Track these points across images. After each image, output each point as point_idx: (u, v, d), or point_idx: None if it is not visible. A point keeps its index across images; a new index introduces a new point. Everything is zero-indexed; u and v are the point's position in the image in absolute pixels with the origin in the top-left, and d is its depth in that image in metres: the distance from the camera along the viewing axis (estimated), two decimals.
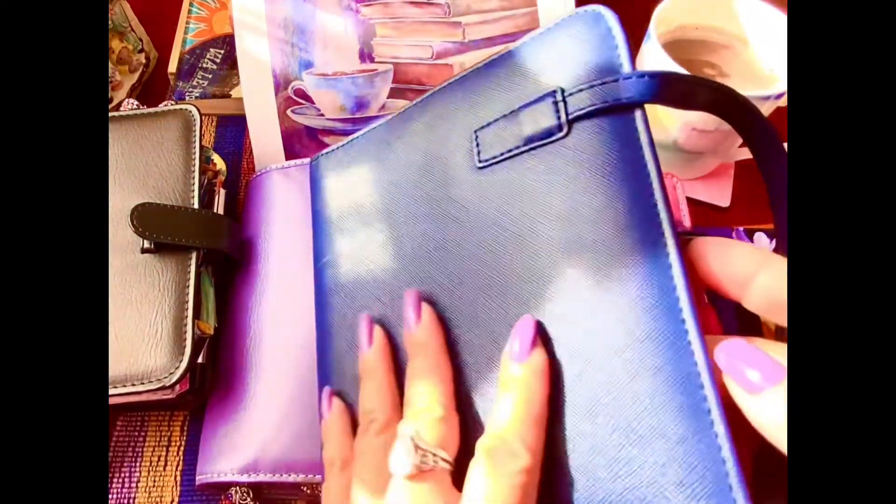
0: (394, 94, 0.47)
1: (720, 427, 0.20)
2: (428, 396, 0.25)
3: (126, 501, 0.37)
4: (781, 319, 0.23)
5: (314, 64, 0.46)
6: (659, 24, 0.42)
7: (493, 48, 0.48)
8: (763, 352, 0.21)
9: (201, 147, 0.40)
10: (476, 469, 0.22)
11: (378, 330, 0.30)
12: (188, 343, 0.34)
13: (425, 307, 0.28)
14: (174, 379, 0.33)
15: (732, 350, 0.21)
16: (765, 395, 0.20)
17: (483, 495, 0.21)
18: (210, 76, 0.51)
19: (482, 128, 0.28)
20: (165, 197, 0.38)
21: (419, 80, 0.47)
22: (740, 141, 0.46)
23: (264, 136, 0.47)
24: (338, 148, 0.38)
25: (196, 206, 0.38)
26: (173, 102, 0.42)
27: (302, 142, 0.47)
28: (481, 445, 0.22)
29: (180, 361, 0.34)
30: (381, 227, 0.33)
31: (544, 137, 0.26)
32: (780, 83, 0.43)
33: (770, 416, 0.20)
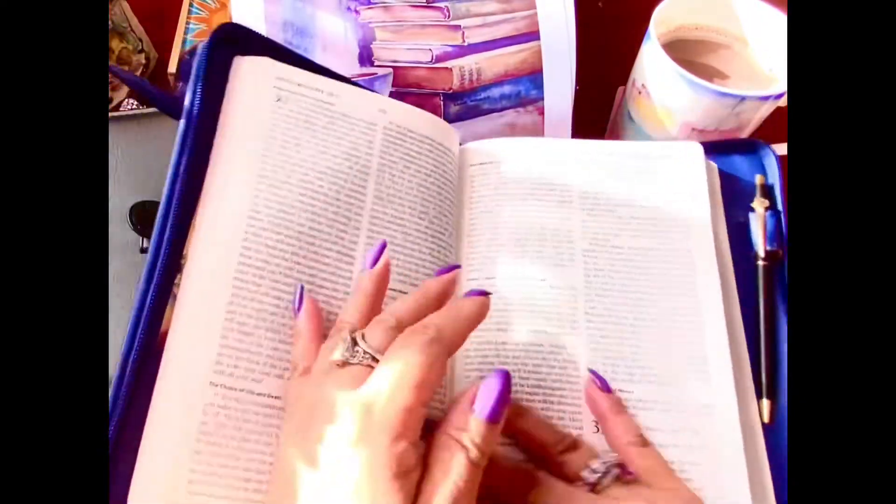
0: (393, 97, 0.47)
1: None
2: (397, 307, 0.29)
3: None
4: None
5: None
6: (658, 24, 0.42)
7: (493, 51, 0.48)
8: None
9: None
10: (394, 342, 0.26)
11: (386, 258, 0.31)
12: None
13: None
14: None
15: None
16: None
17: (393, 351, 0.25)
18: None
19: None
20: None
21: (419, 83, 0.47)
22: None
23: None
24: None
25: None
26: None
27: None
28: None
29: None
30: None
31: None
32: (780, 83, 0.43)
33: None
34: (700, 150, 0.39)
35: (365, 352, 0.26)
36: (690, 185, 0.38)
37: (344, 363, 0.26)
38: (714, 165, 0.40)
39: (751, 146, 0.41)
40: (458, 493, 0.23)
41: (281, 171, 0.33)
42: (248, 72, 0.35)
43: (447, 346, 0.26)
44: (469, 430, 0.25)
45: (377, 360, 0.26)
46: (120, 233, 0.37)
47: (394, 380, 0.24)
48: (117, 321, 0.35)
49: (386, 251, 0.32)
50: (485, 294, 0.29)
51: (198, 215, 0.32)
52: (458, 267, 0.32)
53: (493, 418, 0.25)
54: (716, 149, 0.41)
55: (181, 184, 0.31)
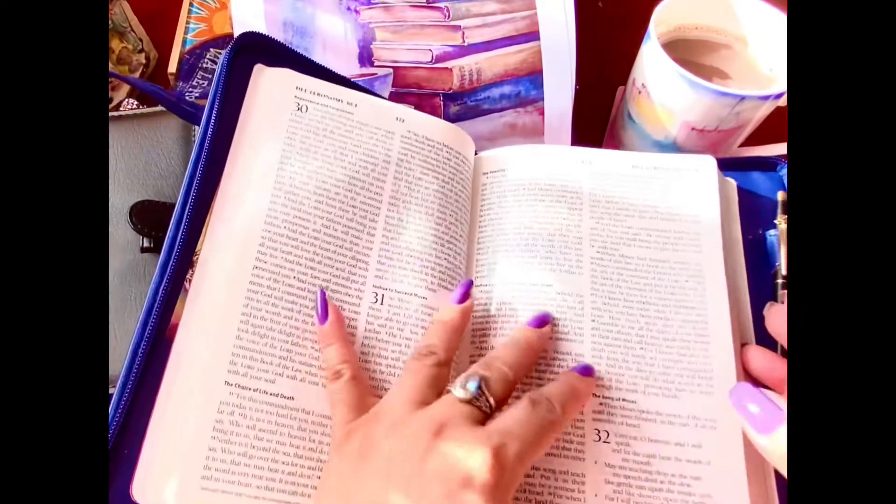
0: (393, 97, 0.47)
1: None
2: (509, 360, 0.30)
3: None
4: None
5: None
6: (658, 24, 0.42)
7: (493, 51, 0.48)
8: (766, 397, 0.27)
9: None
10: (518, 404, 0.28)
11: (471, 297, 0.34)
12: None
13: None
14: None
15: (742, 393, 0.28)
16: (772, 435, 0.26)
17: (525, 418, 0.27)
18: (210, 76, 0.51)
19: None
20: (165, 196, 0.38)
21: (419, 83, 0.47)
22: (740, 141, 0.46)
23: None
24: None
25: None
26: None
27: None
28: (527, 394, 0.29)
29: None
30: None
31: None
32: (780, 83, 0.43)
33: (775, 450, 0.26)
34: (713, 163, 0.39)
35: (488, 400, 0.28)
36: (702, 198, 0.38)
37: (468, 402, 0.28)
38: (732, 182, 0.39)
39: (771, 165, 0.41)
40: (529, 443, 0.26)
41: (298, 178, 0.34)
42: (268, 81, 0.36)
43: (564, 427, 0.29)
44: (560, 395, 0.29)
45: (492, 408, 0.28)
46: (120, 232, 0.37)
47: (522, 447, 0.26)
48: (118, 319, 0.35)
49: (472, 289, 0.34)
50: (590, 372, 0.32)
51: (212, 216, 0.32)
52: (550, 318, 0.34)
53: (583, 395, 0.30)
54: (734, 166, 0.40)
55: (198, 183, 0.32)
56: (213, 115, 0.33)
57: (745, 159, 0.41)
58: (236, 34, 0.45)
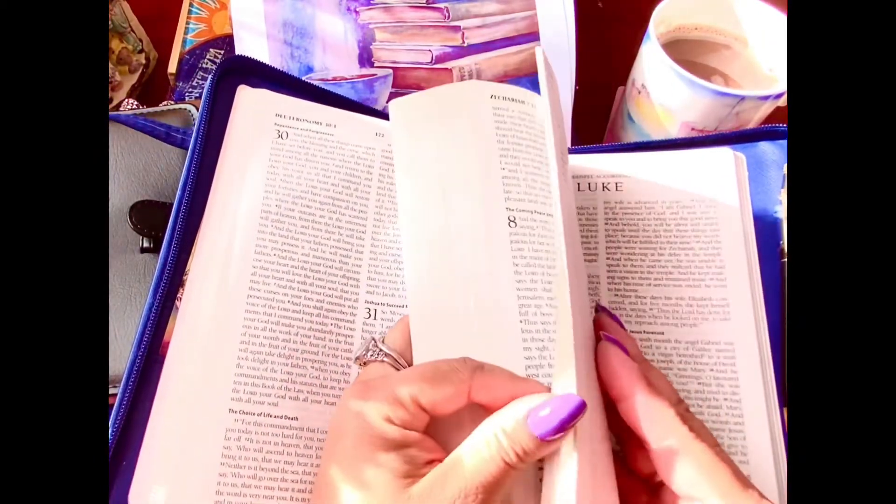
0: (393, 98, 0.47)
1: None
2: None
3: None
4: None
5: (313, 67, 0.46)
6: (658, 24, 0.42)
7: (492, 52, 0.48)
8: None
9: None
10: None
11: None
12: None
13: None
14: None
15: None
16: None
17: None
18: (210, 76, 0.51)
19: None
20: (164, 196, 0.38)
21: (419, 84, 0.47)
22: None
23: None
24: None
25: None
26: (173, 102, 0.42)
27: None
28: None
29: None
30: None
31: None
32: (780, 83, 0.43)
33: None
34: (730, 157, 0.37)
35: (380, 350, 0.30)
36: (719, 194, 0.36)
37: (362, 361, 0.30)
38: (742, 156, 0.37)
39: (780, 133, 0.39)
40: (480, 491, 0.23)
41: (284, 205, 0.34)
42: (249, 106, 0.36)
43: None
44: (516, 438, 0.24)
45: (391, 355, 0.30)
46: (120, 232, 0.37)
47: None
48: (118, 319, 0.35)
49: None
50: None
51: (198, 247, 0.33)
52: None
53: (544, 438, 0.24)
54: (742, 138, 0.39)
55: (185, 208, 0.33)
56: (199, 141, 0.34)
57: (753, 130, 0.40)
58: (236, 34, 0.46)
